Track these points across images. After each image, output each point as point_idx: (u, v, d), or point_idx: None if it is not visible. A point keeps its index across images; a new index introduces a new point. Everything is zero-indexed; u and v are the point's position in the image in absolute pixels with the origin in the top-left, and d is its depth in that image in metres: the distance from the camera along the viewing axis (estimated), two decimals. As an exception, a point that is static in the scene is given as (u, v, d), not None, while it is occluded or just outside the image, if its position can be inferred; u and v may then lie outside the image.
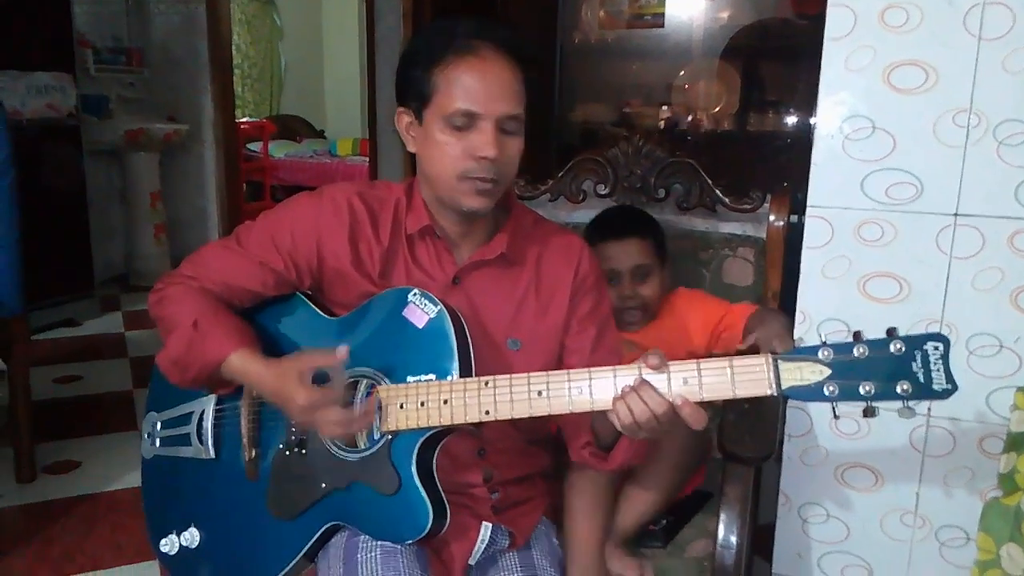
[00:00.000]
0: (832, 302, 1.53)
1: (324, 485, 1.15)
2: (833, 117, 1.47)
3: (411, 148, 1.21)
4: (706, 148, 4.36)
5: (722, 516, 1.39)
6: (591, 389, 1.04)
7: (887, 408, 0.95)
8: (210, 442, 1.27)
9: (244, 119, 7.53)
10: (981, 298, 1.45)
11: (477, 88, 1.11)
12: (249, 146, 7.20)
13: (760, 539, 1.63)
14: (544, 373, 1.05)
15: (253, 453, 1.23)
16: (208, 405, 1.28)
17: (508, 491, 1.27)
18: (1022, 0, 1.35)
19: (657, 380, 1.01)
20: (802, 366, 0.96)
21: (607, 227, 1.65)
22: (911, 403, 0.93)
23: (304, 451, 1.18)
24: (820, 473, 1.61)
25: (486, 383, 1.06)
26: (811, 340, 1.52)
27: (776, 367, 0.97)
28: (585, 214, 1.86)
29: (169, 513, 1.35)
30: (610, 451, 1.22)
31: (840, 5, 1.44)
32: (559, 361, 1.27)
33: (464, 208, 1.17)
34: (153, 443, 1.36)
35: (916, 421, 1.52)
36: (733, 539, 1.37)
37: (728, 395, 0.99)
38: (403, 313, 1.14)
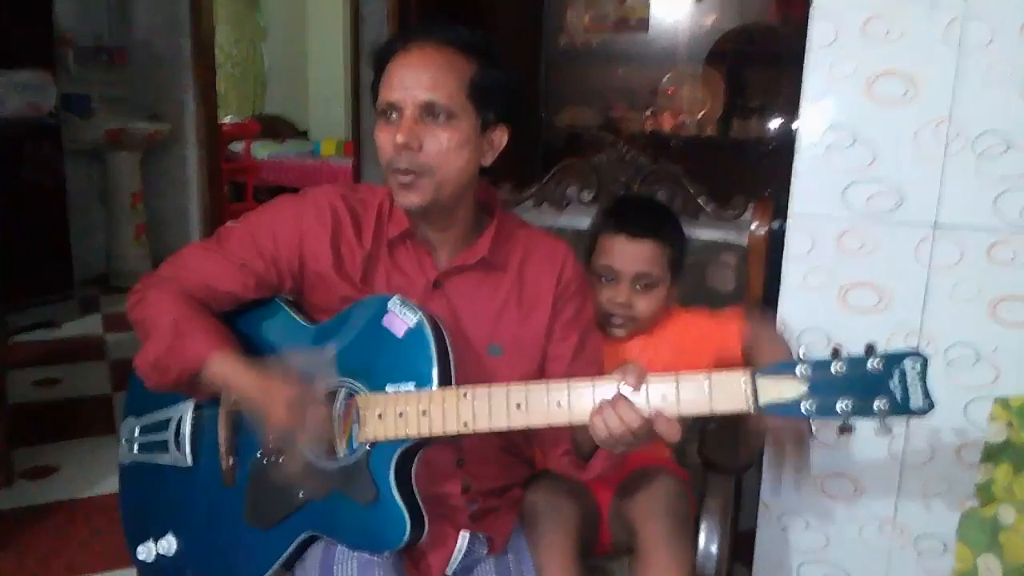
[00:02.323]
0: (812, 312, 1.54)
1: (301, 495, 1.14)
2: (815, 127, 1.48)
3: None
4: (690, 153, 4.37)
5: (703, 526, 1.39)
6: (570, 402, 1.03)
7: (865, 424, 0.95)
8: (188, 449, 1.26)
9: (227, 119, 7.47)
10: (959, 309, 1.46)
11: (400, 78, 1.13)
12: (232, 146, 7.15)
13: (741, 545, 1.64)
14: (523, 384, 1.05)
15: (230, 461, 1.22)
16: (186, 411, 1.27)
17: (486, 501, 1.27)
18: (1001, 13, 1.37)
19: (635, 394, 1.01)
20: (780, 382, 0.96)
21: (623, 218, 1.43)
22: (888, 420, 0.93)
23: (281, 459, 1.17)
24: (799, 482, 1.61)
25: (465, 394, 1.06)
26: (791, 349, 1.54)
27: (754, 383, 0.97)
28: (569, 220, 1.86)
29: (146, 520, 1.33)
30: (588, 460, 1.22)
31: (823, 17, 1.45)
32: (541, 368, 1.26)
33: (400, 206, 1.18)
34: (131, 449, 1.34)
35: (896, 430, 1.52)
36: (714, 549, 1.38)
37: (705, 411, 0.99)
38: (383, 321, 1.13)
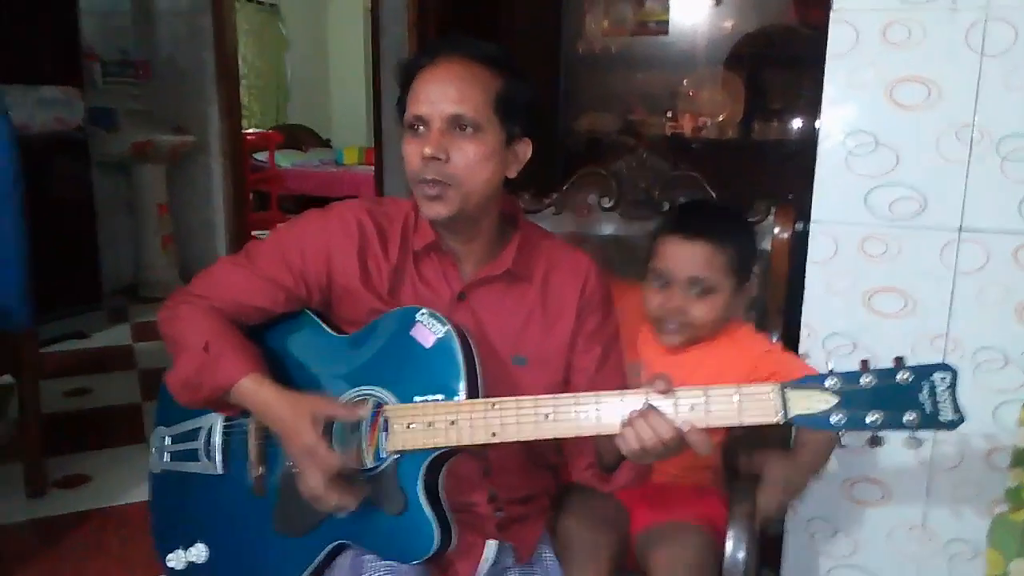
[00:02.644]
0: (837, 317, 1.53)
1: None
2: (836, 133, 1.48)
3: None
4: (711, 157, 4.36)
5: (730, 533, 1.39)
6: (598, 413, 1.04)
7: (894, 437, 0.95)
8: (218, 458, 1.28)
9: (250, 129, 7.55)
10: (986, 312, 1.45)
11: (426, 92, 1.15)
12: (256, 156, 7.22)
13: (769, 551, 1.63)
14: (551, 396, 1.06)
15: (260, 470, 1.23)
16: (216, 421, 1.28)
17: (512, 510, 1.28)
18: (1023, 15, 1.36)
19: (664, 406, 1.01)
20: (809, 395, 0.96)
21: (679, 220, 1.39)
22: (917, 433, 0.93)
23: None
24: (827, 487, 1.61)
25: (493, 405, 1.06)
26: (816, 354, 1.55)
27: (783, 396, 0.97)
28: (590, 227, 1.87)
29: (177, 528, 1.35)
30: (612, 472, 1.23)
31: (842, 21, 1.45)
32: (566, 379, 1.27)
33: (426, 217, 1.19)
34: (162, 458, 1.36)
35: (924, 435, 1.51)
36: (741, 556, 1.37)
37: (735, 422, 0.99)
38: (411, 332, 1.14)
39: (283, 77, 8.88)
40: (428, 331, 1.13)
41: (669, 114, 4.64)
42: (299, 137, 8.44)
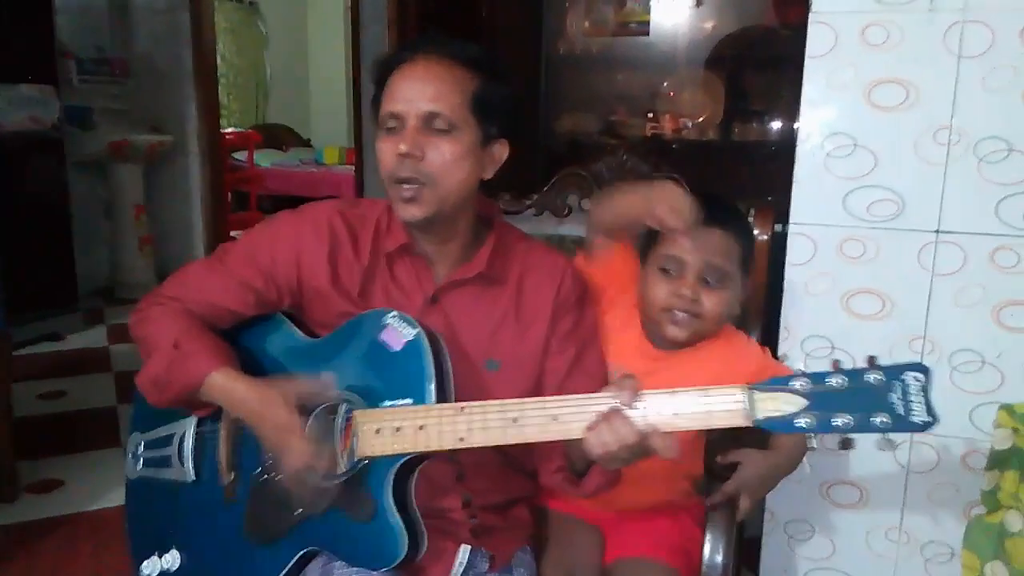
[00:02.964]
0: (815, 318, 1.53)
1: (299, 510, 1.14)
2: (815, 134, 1.48)
3: None
4: (691, 158, 4.37)
5: (708, 536, 1.38)
6: (565, 417, 1.02)
7: (868, 438, 0.94)
8: (190, 464, 1.26)
9: (230, 128, 7.49)
10: (963, 314, 1.45)
11: (402, 89, 1.13)
12: (235, 156, 7.16)
13: (747, 553, 1.63)
14: (518, 400, 1.04)
15: (231, 476, 1.22)
16: (189, 427, 1.27)
17: (488, 516, 1.26)
18: (1001, 17, 1.36)
19: (630, 408, 0.99)
20: (777, 397, 0.94)
21: None
22: (890, 435, 0.91)
23: (280, 475, 1.17)
24: (805, 489, 1.61)
25: (461, 409, 1.05)
26: (794, 356, 1.54)
27: (751, 398, 0.95)
28: (570, 228, 1.86)
29: (151, 535, 1.33)
30: (583, 476, 1.21)
31: (821, 23, 1.44)
32: (540, 383, 1.26)
33: (401, 219, 1.17)
34: (136, 464, 1.35)
35: (900, 437, 1.52)
36: (719, 559, 1.37)
37: (702, 425, 0.97)
38: (380, 336, 1.12)
39: (263, 76, 8.81)
40: (398, 334, 1.11)
41: (650, 115, 4.65)
42: (279, 136, 8.38)
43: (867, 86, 1.44)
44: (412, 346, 1.10)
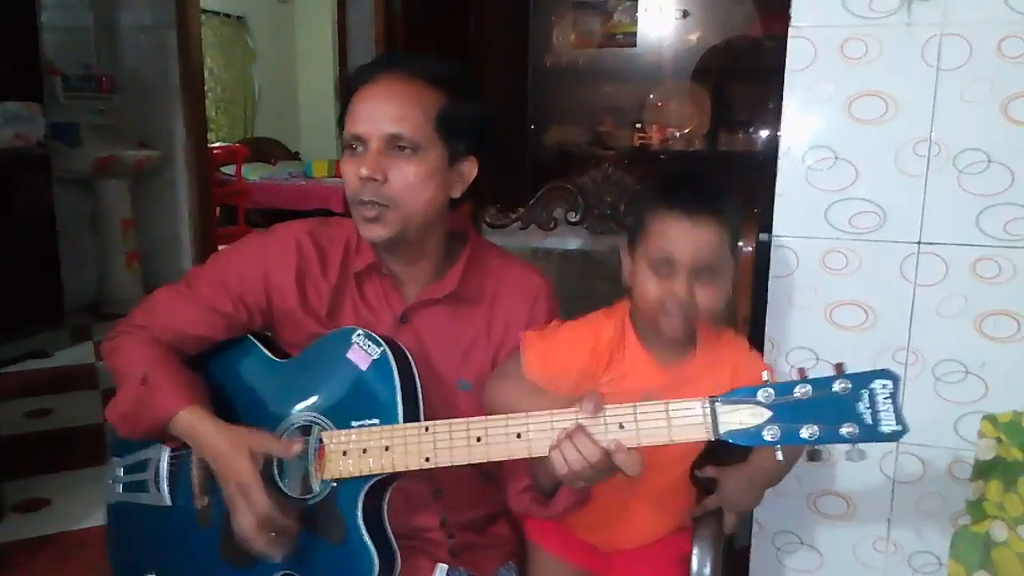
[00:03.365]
0: (799, 330, 1.54)
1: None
2: (796, 147, 1.49)
3: None
4: (678, 168, 4.39)
5: (695, 549, 1.38)
6: (529, 435, 1.01)
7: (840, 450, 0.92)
8: (165, 489, 1.25)
9: (218, 143, 7.48)
10: (946, 325, 1.46)
11: (364, 110, 1.13)
12: (223, 170, 7.15)
13: (736, 564, 1.63)
14: (483, 419, 1.03)
15: (205, 500, 1.21)
16: (164, 452, 1.26)
17: (466, 535, 1.25)
18: (978, 30, 1.37)
19: (594, 425, 0.98)
20: (740, 409, 0.92)
21: (680, 197, 1.19)
22: (859, 446, 0.89)
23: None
24: (792, 501, 1.61)
25: (427, 428, 1.04)
26: (780, 368, 1.55)
27: (713, 411, 0.93)
28: (557, 242, 1.87)
29: (130, 559, 1.33)
30: (551, 496, 1.19)
31: (801, 37, 1.45)
32: None
33: (365, 239, 1.17)
34: (116, 489, 1.34)
35: (886, 448, 1.53)
36: (707, 572, 1.37)
37: (665, 440, 0.96)
38: (347, 355, 1.12)
39: (251, 90, 8.82)
40: (364, 352, 1.10)
41: (638, 126, 4.67)
42: (268, 150, 8.37)
43: (847, 99, 1.45)
44: (378, 364, 1.09)
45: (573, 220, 1.90)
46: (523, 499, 1.21)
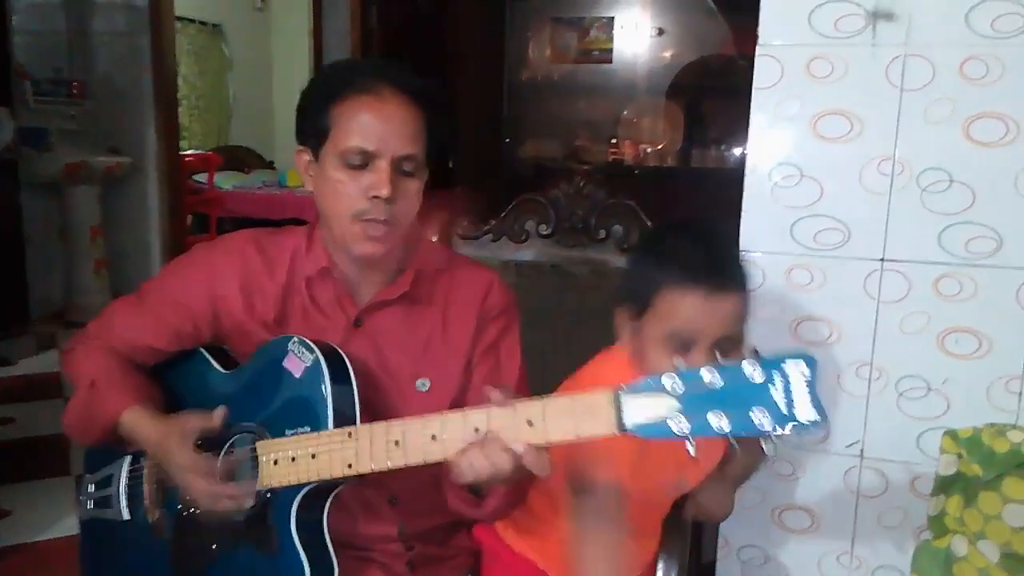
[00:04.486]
0: (764, 345, 1.54)
1: (215, 547, 1.13)
2: (762, 164, 1.51)
3: (309, 187, 1.19)
4: (651, 183, 4.42)
5: (661, 562, 1.39)
6: (444, 436, 0.97)
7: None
8: (124, 503, 1.24)
9: (191, 150, 7.42)
10: (909, 341, 1.48)
11: (374, 126, 1.10)
12: (195, 178, 7.08)
13: (704, 577, 1.64)
14: (401, 421, 1.00)
15: (157, 514, 1.21)
16: (124, 466, 1.26)
17: (426, 547, 1.24)
18: (941, 52, 1.40)
19: (504, 422, 0.93)
20: (647, 400, 0.84)
21: (699, 269, 1.10)
22: (776, 436, 0.81)
23: (197, 511, 1.15)
24: (757, 515, 1.61)
25: (349, 434, 1.03)
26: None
27: (618, 403, 0.86)
28: (527, 254, 1.87)
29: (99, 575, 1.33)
30: (483, 497, 1.15)
31: (767, 56, 1.47)
32: (464, 399, 1.23)
33: (356, 254, 1.15)
34: (87, 505, 1.33)
35: (849, 462, 1.54)
36: (673, 586, 1.37)
37: (571, 436, 0.90)
38: (284, 363, 1.11)
39: (226, 98, 8.75)
40: (298, 360, 1.10)
41: (613, 141, 4.70)
42: (242, 158, 8.30)
43: (812, 118, 1.47)
44: (310, 371, 1.08)
45: (545, 233, 1.91)
46: (456, 501, 1.17)
